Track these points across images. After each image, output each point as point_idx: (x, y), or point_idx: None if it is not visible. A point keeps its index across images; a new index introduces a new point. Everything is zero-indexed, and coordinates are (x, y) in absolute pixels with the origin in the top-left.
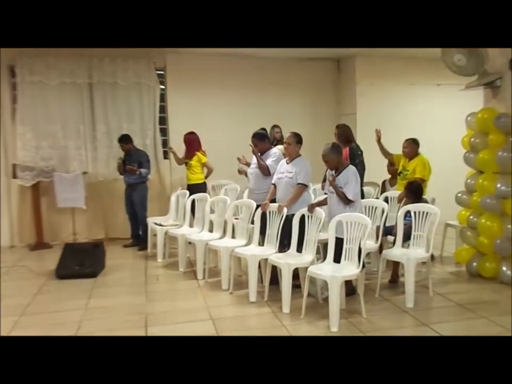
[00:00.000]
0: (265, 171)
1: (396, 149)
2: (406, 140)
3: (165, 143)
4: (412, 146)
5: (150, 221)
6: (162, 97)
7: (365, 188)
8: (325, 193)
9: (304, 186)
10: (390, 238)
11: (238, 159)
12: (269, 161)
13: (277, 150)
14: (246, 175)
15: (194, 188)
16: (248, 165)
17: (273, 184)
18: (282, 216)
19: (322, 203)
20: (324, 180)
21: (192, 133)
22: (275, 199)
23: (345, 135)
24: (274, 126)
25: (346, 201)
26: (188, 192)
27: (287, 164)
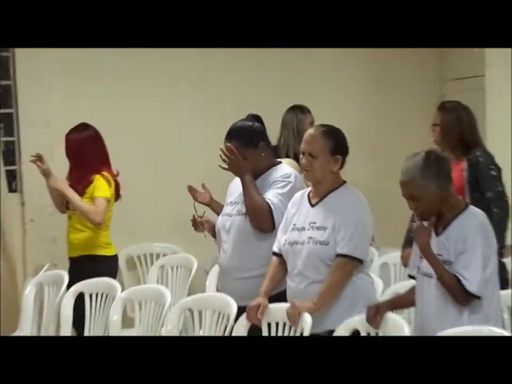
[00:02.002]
0: (263, 219)
1: None
2: None
3: (10, 153)
4: None
5: None
6: None
7: (509, 262)
8: (410, 277)
9: (355, 263)
10: None
11: (190, 190)
12: (271, 195)
13: (291, 169)
14: (213, 234)
15: (84, 267)
16: (216, 207)
17: (277, 255)
18: (301, 336)
19: (404, 302)
20: (408, 244)
21: (83, 129)
22: (282, 292)
23: (459, 129)
24: (296, 109)
25: (463, 298)
26: (66, 277)
27: (311, 205)
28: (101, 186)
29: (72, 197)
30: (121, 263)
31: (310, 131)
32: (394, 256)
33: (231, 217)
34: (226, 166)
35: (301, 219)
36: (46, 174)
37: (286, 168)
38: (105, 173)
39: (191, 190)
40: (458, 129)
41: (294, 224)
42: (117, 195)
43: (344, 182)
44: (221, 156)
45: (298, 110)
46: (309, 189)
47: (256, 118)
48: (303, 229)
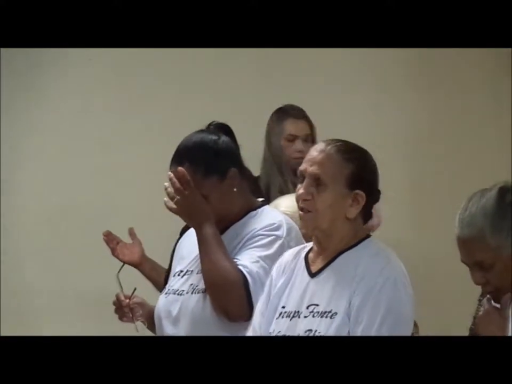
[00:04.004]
0: (233, 300)
1: None
2: None
3: None
4: None
5: None
6: None
7: None
8: None
9: None
10: None
11: (107, 239)
12: (248, 259)
13: (281, 215)
14: (150, 325)
15: None
16: (150, 272)
17: None
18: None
19: None
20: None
21: None
22: None
23: None
24: (275, 114)
25: None
26: None
27: (311, 275)
28: None
29: None
30: None
31: (318, 145)
32: None
33: (180, 296)
34: (174, 206)
35: (293, 298)
36: None
37: (273, 214)
38: None
39: (109, 239)
40: None
41: (283, 307)
42: None
43: (368, 235)
44: (166, 189)
45: (275, 115)
46: (308, 245)
47: (223, 129)
48: (297, 314)
